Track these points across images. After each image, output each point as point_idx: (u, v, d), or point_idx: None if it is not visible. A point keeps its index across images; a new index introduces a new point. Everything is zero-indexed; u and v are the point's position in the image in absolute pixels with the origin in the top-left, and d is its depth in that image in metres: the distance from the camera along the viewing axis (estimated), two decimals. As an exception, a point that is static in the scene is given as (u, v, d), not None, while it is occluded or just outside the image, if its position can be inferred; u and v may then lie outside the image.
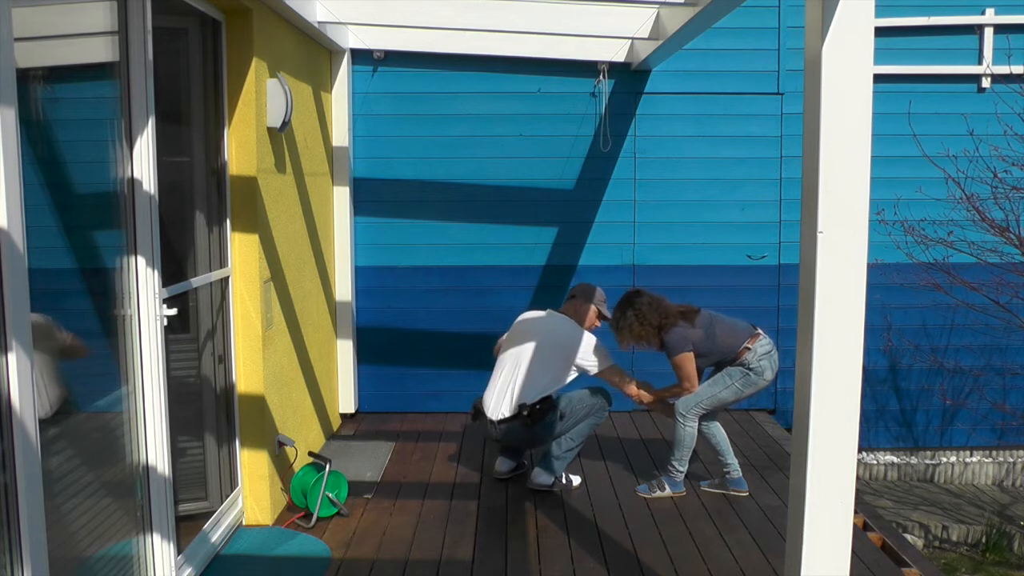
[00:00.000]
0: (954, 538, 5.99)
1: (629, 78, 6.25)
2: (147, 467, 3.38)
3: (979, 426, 6.59)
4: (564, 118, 6.28)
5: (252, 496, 4.39)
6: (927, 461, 6.72)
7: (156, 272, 3.37)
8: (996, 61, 6.23)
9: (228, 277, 4.21)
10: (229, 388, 4.25)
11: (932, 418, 6.65)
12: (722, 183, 6.35)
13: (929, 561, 4.36)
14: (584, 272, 6.34)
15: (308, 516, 4.41)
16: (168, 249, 3.51)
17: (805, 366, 2.85)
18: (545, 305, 5.22)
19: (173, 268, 3.63)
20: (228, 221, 4.20)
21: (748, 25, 6.20)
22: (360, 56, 6.21)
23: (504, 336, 5.07)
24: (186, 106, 3.91)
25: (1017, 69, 5.96)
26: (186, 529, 3.77)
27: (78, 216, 3.06)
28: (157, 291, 3.37)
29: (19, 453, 2.26)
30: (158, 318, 3.38)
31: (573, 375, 4.81)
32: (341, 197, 6.14)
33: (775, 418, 6.42)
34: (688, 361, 4.57)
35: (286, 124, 4.51)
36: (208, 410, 4.10)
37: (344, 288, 6.21)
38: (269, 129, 4.40)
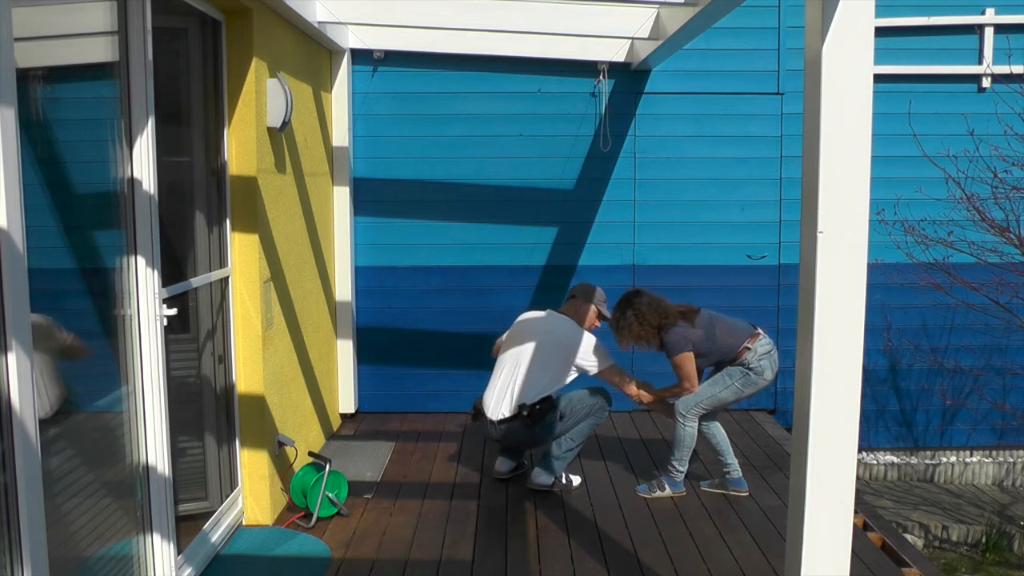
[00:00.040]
0: (954, 538, 5.99)
1: (629, 78, 6.25)
2: (147, 467, 3.38)
3: (979, 426, 6.59)
4: (564, 118, 6.28)
5: (252, 496, 4.39)
6: (927, 461, 6.72)
7: (156, 272, 3.37)
8: (996, 61, 6.23)
9: (228, 277, 4.21)
10: (229, 388, 4.25)
11: (932, 418, 6.65)
12: (722, 183, 6.35)
13: (929, 561, 4.36)
14: (584, 272, 6.34)
15: (308, 516, 4.41)
16: (168, 249, 3.51)
17: (805, 366, 2.85)
18: (545, 305, 5.22)
19: (173, 268, 3.63)
20: (228, 221, 4.20)
21: (748, 25, 6.20)
22: (360, 56, 6.21)
23: (503, 336, 5.08)
24: (186, 106, 3.91)
25: (1017, 69, 5.96)
26: (186, 529, 3.77)
27: (78, 216, 3.06)
28: (157, 291, 3.38)
29: (19, 453, 2.26)
30: (158, 318, 3.38)
31: (573, 375, 4.81)
32: (341, 197, 6.14)
33: (775, 418, 6.42)
34: (688, 361, 4.57)
35: (286, 124, 4.51)
36: (208, 410, 4.10)
37: (344, 288, 6.21)
38: (269, 129, 4.40)
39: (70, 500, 2.85)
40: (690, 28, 4.70)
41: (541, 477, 4.85)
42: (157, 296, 3.37)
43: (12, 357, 2.23)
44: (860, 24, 2.69)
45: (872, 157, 2.74)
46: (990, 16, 6.29)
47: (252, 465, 4.36)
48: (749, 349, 4.55)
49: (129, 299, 3.28)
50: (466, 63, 6.20)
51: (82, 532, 2.95)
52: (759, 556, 4.05)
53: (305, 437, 5.16)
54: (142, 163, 3.29)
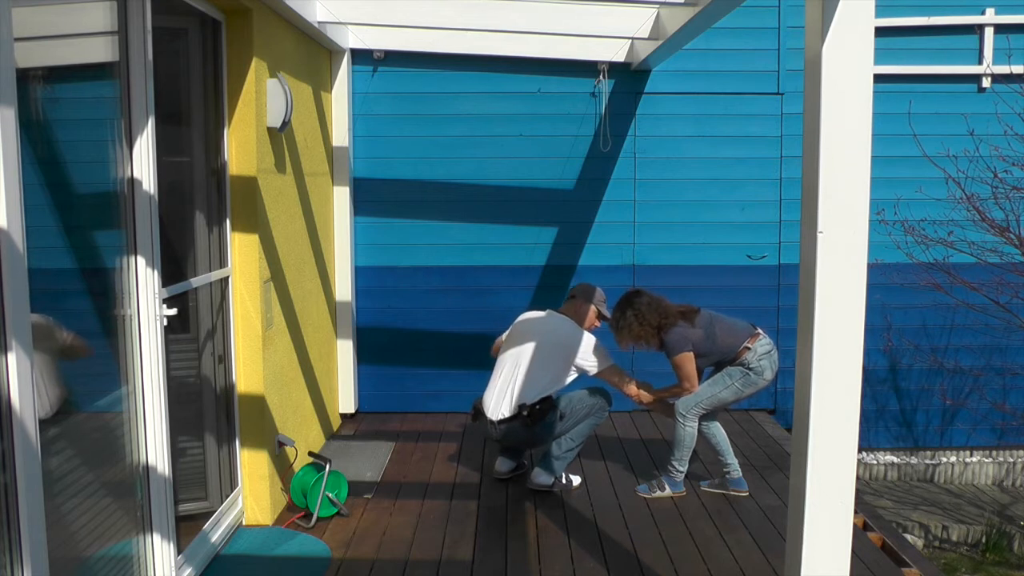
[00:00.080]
0: (954, 538, 5.99)
1: (629, 78, 6.25)
2: (147, 467, 3.38)
3: (979, 426, 6.59)
4: (564, 118, 6.28)
5: (252, 496, 4.39)
6: (927, 461, 6.72)
7: (156, 272, 3.37)
8: (996, 61, 6.23)
9: (228, 277, 4.21)
10: (229, 388, 4.25)
11: (932, 418, 6.65)
12: (722, 183, 6.35)
13: (929, 561, 4.36)
14: (584, 272, 6.34)
15: (308, 516, 4.41)
16: (168, 249, 3.51)
17: (805, 366, 2.85)
18: (545, 305, 5.22)
19: (173, 268, 3.63)
20: (228, 221, 4.20)
21: (748, 25, 6.20)
22: (360, 56, 6.21)
23: (502, 336, 5.08)
24: (186, 106, 3.91)
25: (1017, 69, 5.96)
26: (186, 529, 3.77)
27: (78, 216, 3.06)
28: (157, 291, 3.38)
29: (19, 453, 2.26)
30: (158, 318, 3.38)
31: (573, 375, 4.81)
32: (341, 197, 6.14)
33: (775, 418, 6.42)
34: (688, 361, 4.57)
35: (286, 124, 4.51)
36: (208, 410, 4.10)
37: (344, 288, 6.21)
38: (269, 129, 4.40)
39: (70, 500, 2.85)
40: (690, 28, 4.70)
41: (541, 477, 4.85)
42: (157, 296, 3.37)
43: (12, 357, 2.23)
44: (860, 24, 2.69)
45: (872, 157, 2.74)
46: (990, 16, 6.29)
47: (252, 465, 4.36)
48: (749, 349, 4.55)
49: (129, 299, 3.28)
50: (466, 63, 6.20)
51: (82, 532, 2.95)
52: (759, 556, 4.05)
53: (305, 437, 5.16)
54: (142, 163, 3.29)
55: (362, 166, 6.28)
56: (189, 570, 3.71)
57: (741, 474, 4.84)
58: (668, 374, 4.70)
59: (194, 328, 3.94)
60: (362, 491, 4.87)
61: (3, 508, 2.25)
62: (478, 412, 4.89)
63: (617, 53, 6.06)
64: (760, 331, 4.64)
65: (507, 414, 4.73)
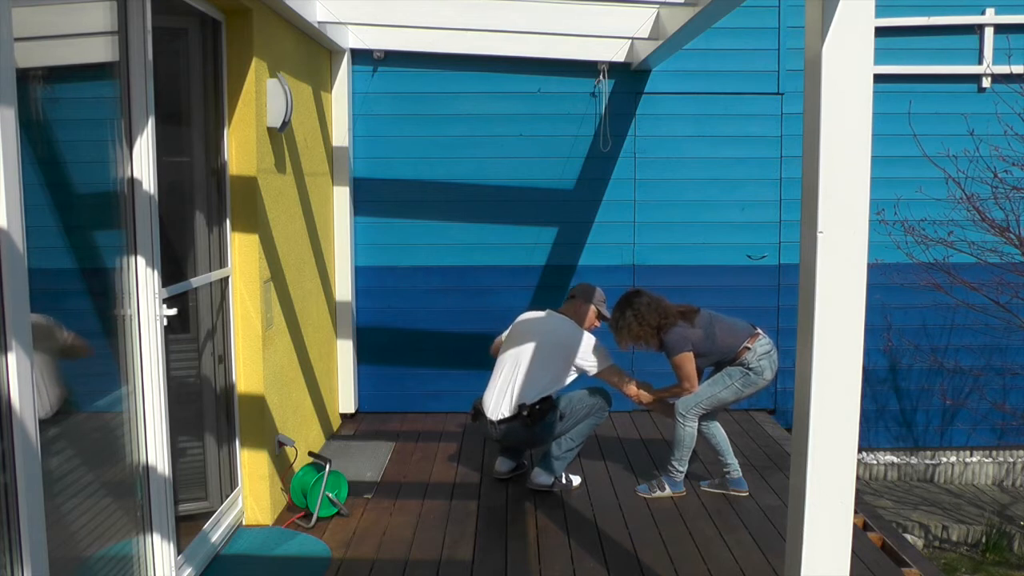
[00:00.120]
0: (954, 538, 5.99)
1: (629, 78, 6.25)
2: (147, 467, 3.38)
3: (979, 426, 6.59)
4: (564, 118, 6.28)
5: (252, 496, 4.39)
6: (927, 461, 6.72)
7: (156, 272, 3.37)
8: (996, 61, 6.23)
9: (228, 277, 4.21)
10: (229, 388, 4.25)
11: (932, 418, 6.65)
12: (722, 183, 6.35)
13: (929, 561, 4.36)
14: (584, 272, 6.34)
15: (308, 516, 4.41)
16: (168, 249, 3.51)
17: (805, 366, 2.85)
18: (545, 305, 5.22)
19: (173, 268, 3.63)
20: (228, 221, 4.20)
21: (748, 25, 6.20)
22: (360, 56, 6.21)
23: (502, 336, 5.08)
24: (186, 106, 3.91)
25: (1017, 69, 5.96)
26: (186, 529, 3.77)
27: (78, 216, 3.06)
28: (157, 291, 3.38)
29: (19, 453, 2.26)
30: (158, 318, 3.38)
31: (573, 375, 4.81)
32: (341, 197, 6.14)
33: (775, 418, 6.42)
34: (688, 361, 4.56)
35: (286, 124, 4.51)
36: (208, 410, 4.10)
37: (344, 288, 6.21)
38: (269, 129, 4.40)
39: (70, 500, 2.85)
40: (690, 28, 4.70)
41: (541, 477, 4.85)
42: (157, 296, 3.37)
43: (12, 357, 2.23)
44: (860, 24, 2.69)
45: (872, 157, 2.74)
46: (990, 16, 6.29)
47: (252, 465, 4.36)
48: (749, 349, 4.55)
49: (129, 299, 3.28)
50: (466, 63, 6.20)
51: (82, 532, 2.95)
52: (759, 556, 4.05)
53: (305, 437, 5.16)
54: (142, 163, 3.29)
55: (362, 166, 6.28)
56: (189, 570, 3.71)
57: (741, 474, 4.84)
58: (668, 374, 4.70)
59: (194, 328, 3.94)
60: (362, 491, 4.87)
61: (3, 508, 2.25)
62: (478, 412, 4.89)
63: (617, 53, 6.06)
64: (760, 331, 4.64)
65: (507, 414, 4.73)
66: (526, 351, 4.76)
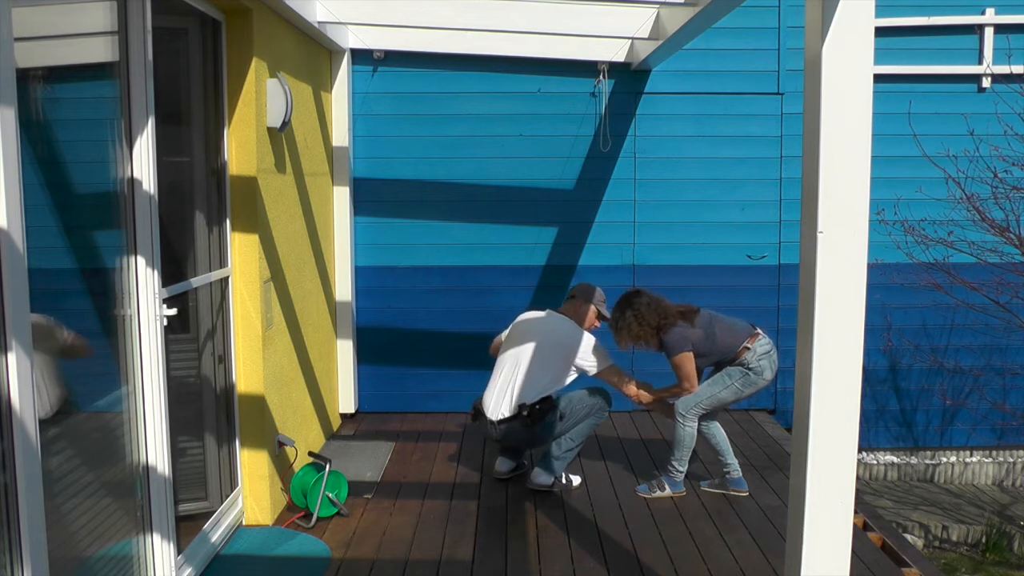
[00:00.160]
0: (954, 538, 5.99)
1: (629, 78, 6.25)
2: (147, 467, 3.38)
3: (979, 426, 6.59)
4: (564, 118, 6.28)
5: (252, 496, 4.39)
6: (927, 461, 6.72)
7: (156, 272, 3.37)
8: (996, 61, 6.23)
9: (228, 277, 4.21)
10: (229, 388, 4.25)
11: (932, 418, 6.65)
12: (722, 183, 6.35)
13: (929, 561, 4.36)
14: (584, 272, 6.34)
15: (308, 516, 4.41)
16: (168, 249, 3.51)
17: (805, 366, 2.85)
18: (545, 305, 5.22)
19: (173, 268, 3.63)
20: (228, 221, 4.20)
21: (748, 25, 6.20)
22: (360, 56, 6.21)
23: (501, 335, 5.08)
24: (186, 106, 3.91)
25: (1017, 69, 5.96)
26: (186, 529, 3.77)
27: (78, 216, 3.06)
28: (157, 291, 3.38)
29: (19, 453, 2.26)
30: (158, 318, 3.38)
31: (573, 375, 4.81)
32: (341, 197, 6.14)
33: (775, 418, 6.42)
34: (687, 361, 4.56)
35: (286, 124, 4.51)
36: (208, 410, 4.10)
37: (344, 288, 6.21)
38: (269, 129, 4.40)
39: (70, 500, 2.85)
40: (690, 28, 4.70)
41: (541, 477, 4.85)
42: (157, 296, 3.37)
43: (12, 357, 2.23)
44: (860, 24, 2.69)
45: (872, 157, 2.74)
46: (990, 16, 6.29)
47: (252, 465, 4.36)
48: (748, 349, 4.55)
49: (129, 299, 3.28)
50: (466, 63, 6.20)
51: (82, 532, 2.95)
52: (759, 556, 4.05)
53: (305, 437, 5.16)
54: (142, 163, 3.29)
55: (362, 166, 6.28)
56: (189, 570, 3.71)
57: (741, 474, 4.84)
58: (668, 374, 4.70)
59: (194, 328, 3.94)
60: (362, 491, 4.87)
61: (3, 508, 2.25)
62: (478, 412, 4.89)
63: (617, 53, 6.06)
64: (760, 331, 4.64)
65: (507, 414, 4.73)
66: (526, 351, 4.76)
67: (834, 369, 2.79)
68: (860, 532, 4.34)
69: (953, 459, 6.72)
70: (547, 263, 6.40)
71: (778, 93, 6.32)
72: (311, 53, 5.40)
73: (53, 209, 2.83)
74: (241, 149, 4.18)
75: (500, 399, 4.76)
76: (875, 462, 6.71)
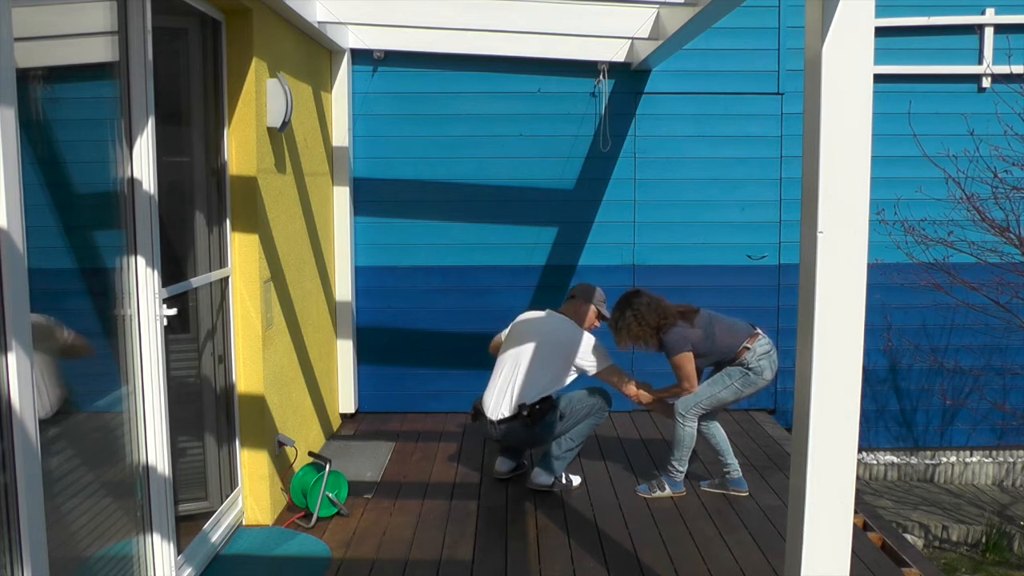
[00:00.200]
0: (954, 538, 5.99)
1: (629, 78, 6.25)
2: (147, 467, 3.38)
3: (979, 426, 6.59)
4: (564, 118, 6.28)
5: (252, 496, 4.39)
6: (927, 461, 6.72)
7: (156, 272, 3.37)
8: (996, 61, 6.23)
9: (228, 277, 4.21)
10: (229, 388, 4.25)
11: (932, 418, 6.65)
12: (722, 183, 6.35)
13: (929, 561, 4.36)
14: (584, 272, 6.34)
15: (308, 516, 4.41)
16: (168, 249, 3.51)
17: (805, 366, 2.85)
18: (545, 305, 5.22)
19: (173, 268, 3.63)
20: (228, 221, 4.20)
21: (748, 25, 6.20)
22: (360, 56, 6.22)
23: (501, 334, 5.08)
24: (186, 106, 3.91)
25: (1017, 69, 5.96)
26: (186, 529, 3.77)
27: (78, 216, 3.06)
28: (157, 291, 3.38)
29: (19, 453, 2.26)
30: (158, 318, 3.38)
31: (573, 375, 4.81)
32: (341, 197, 6.14)
33: (775, 418, 6.42)
34: (687, 361, 4.56)
35: (286, 124, 4.51)
36: (208, 410, 4.10)
37: (344, 288, 6.21)
38: (269, 129, 4.40)
39: (70, 500, 2.85)
40: (690, 28, 4.70)
41: (541, 477, 4.85)
42: (157, 296, 3.37)
43: (12, 357, 2.23)
44: (860, 24, 2.69)
45: (872, 157, 2.74)
46: (990, 16, 6.29)
47: (252, 465, 4.36)
48: (748, 349, 4.55)
49: (129, 299, 3.28)
50: (466, 63, 6.20)
51: (82, 532, 2.95)
52: (759, 556, 4.05)
53: (305, 437, 5.16)
54: (142, 163, 3.29)
55: (362, 166, 6.28)
56: (189, 570, 3.71)
57: (741, 474, 4.84)
58: (668, 374, 4.70)
59: (194, 328, 3.94)
60: (362, 491, 4.87)
61: (3, 508, 2.25)
62: (478, 412, 4.89)
63: (617, 53, 6.06)
64: (759, 331, 4.64)
65: (507, 414, 4.73)
66: (526, 351, 4.76)
67: (834, 369, 2.79)
68: (860, 532, 4.34)
69: (953, 459, 6.72)
70: (547, 263, 6.40)
71: (778, 93, 6.32)
72: (311, 53, 5.40)
73: (53, 209, 2.83)
74: (241, 149, 4.18)
75: (500, 399, 4.76)
76: (875, 462, 6.72)
